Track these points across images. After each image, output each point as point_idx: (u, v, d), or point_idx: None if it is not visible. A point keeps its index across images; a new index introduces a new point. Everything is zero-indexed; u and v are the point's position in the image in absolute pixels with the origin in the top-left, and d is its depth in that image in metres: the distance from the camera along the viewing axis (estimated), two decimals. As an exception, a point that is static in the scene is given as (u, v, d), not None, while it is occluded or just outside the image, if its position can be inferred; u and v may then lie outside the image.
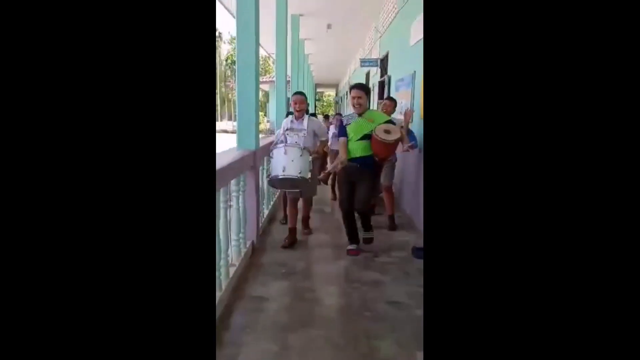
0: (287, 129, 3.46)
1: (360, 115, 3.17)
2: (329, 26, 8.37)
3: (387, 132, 3.04)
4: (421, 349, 1.94)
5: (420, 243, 3.43)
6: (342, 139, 3.22)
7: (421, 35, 4.29)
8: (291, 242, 3.43)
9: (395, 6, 6.05)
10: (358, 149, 3.13)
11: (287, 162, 3.01)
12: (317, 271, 2.95)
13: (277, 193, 4.56)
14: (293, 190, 3.38)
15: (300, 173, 3.02)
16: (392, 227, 3.92)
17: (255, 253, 3.21)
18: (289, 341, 1.99)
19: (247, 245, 3.05)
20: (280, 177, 3.04)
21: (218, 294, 2.24)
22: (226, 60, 38.12)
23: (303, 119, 3.49)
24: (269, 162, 3.32)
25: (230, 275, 2.53)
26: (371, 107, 3.71)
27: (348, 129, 3.18)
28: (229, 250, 2.60)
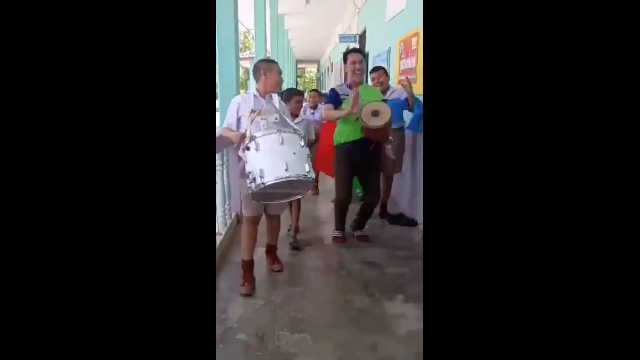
0: (251, 112, 2.18)
1: (355, 86, 2.73)
2: (307, 1, 8.34)
3: (375, 113, 2.60)
4: (391, 300, 2.19)
5: (393, 210, 3.67)
6: (328, 105, 2.80)
7: (396, 11, 4.41)
8: (249, 289, 2.26)
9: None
10: (359, 129, 2.68)
11: (289, 156, 1.90)
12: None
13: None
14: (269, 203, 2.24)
15: (308, 171, 1.94)
16: None
17: (240, 223, 3.39)
18: (272, 297, 2.22)
19: (232, 216, 3.23)
20: (284, 179, 1.87)
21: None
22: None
23: (272, 96, 2.30)
24: (230, 162, 2.57)
25: (217, 243, 2.72)
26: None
27: (344, 104, 2.72)
28: (215, 220, 2.78)
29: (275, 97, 2.32)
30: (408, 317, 2.03)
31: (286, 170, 1.85)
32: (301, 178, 1.90)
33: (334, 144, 2.87)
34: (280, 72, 2.29)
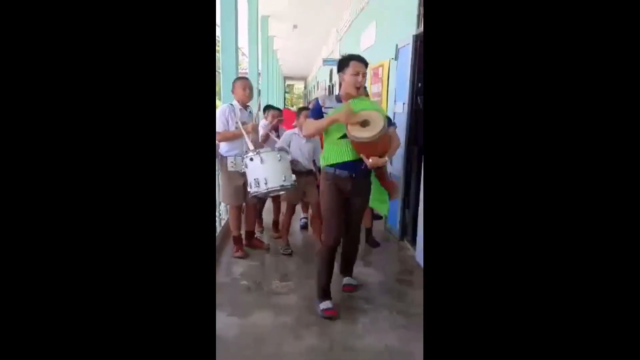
0: (241, 123, 2.85)
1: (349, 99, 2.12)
2: (294, 26, 9.26)
3: (365, 123, 2.02)
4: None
5: (376, 235, 3.63)
6: (309, 120, 2.21)
7: (367, 44, 5.32)
8: (242, 254, 3.06)
9: (349, 17, 7.07)
10: (347, 150, 2.08)
11: (285, 170, 2.67)
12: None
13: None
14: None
15: (294, 180, 2.72)
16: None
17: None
18: (266, 262, 2.99)
19: (221, 224, 3.62)
20: (283, 186, 2.66)
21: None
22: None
23: (247, 108, 3.03)
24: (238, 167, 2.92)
25: (222, 224, 3.45)
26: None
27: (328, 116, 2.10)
28: (219, 207, 3.52)
29: (253, 109, 3.15)
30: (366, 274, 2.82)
31: (284, 180, 2.63)
32: (290, 185, 2.69)
33: (321, 169, 2.28)
34: (246, 86, 2.96)
